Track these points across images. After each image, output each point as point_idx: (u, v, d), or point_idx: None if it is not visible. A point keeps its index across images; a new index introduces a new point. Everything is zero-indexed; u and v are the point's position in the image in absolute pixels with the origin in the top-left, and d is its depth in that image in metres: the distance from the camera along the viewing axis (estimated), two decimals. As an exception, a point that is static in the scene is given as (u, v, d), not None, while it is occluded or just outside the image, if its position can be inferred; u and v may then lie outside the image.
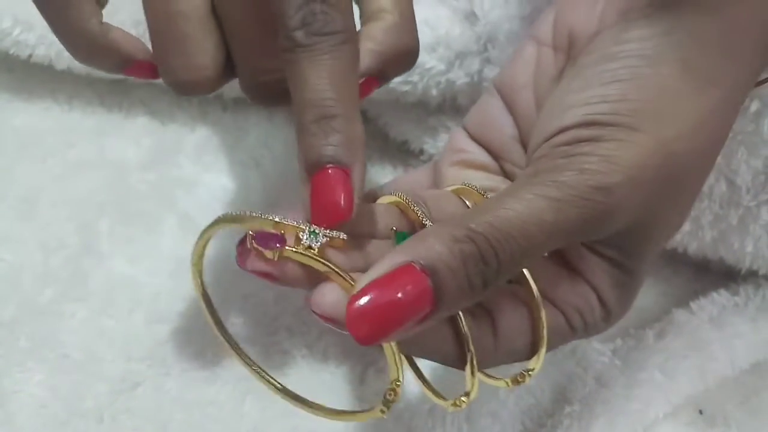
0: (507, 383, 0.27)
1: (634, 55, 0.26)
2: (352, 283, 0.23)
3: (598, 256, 0.26)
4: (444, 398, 0.26)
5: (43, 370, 0.36)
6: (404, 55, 0.31)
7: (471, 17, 0.39)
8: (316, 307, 0.24)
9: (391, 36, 0.29)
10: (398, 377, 0.24)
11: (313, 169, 0.24)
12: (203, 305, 0.29)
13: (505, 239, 0.23)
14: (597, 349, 0.38)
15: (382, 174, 0.44)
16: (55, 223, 0.40)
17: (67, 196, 0.41)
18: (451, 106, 0.41)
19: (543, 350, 0.26)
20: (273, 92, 0.29)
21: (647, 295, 0.41)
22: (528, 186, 0.24)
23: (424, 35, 0.39)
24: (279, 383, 0.29)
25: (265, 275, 0.25)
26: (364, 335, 0.22)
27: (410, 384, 0.37)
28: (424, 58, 0.39)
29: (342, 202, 0.24)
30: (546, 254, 0.27)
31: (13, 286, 0.38)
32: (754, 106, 0.35)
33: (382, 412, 0.25)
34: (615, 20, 0.27)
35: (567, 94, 0.27)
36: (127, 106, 0.45)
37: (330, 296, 0.23)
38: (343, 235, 0.25)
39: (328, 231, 0.24)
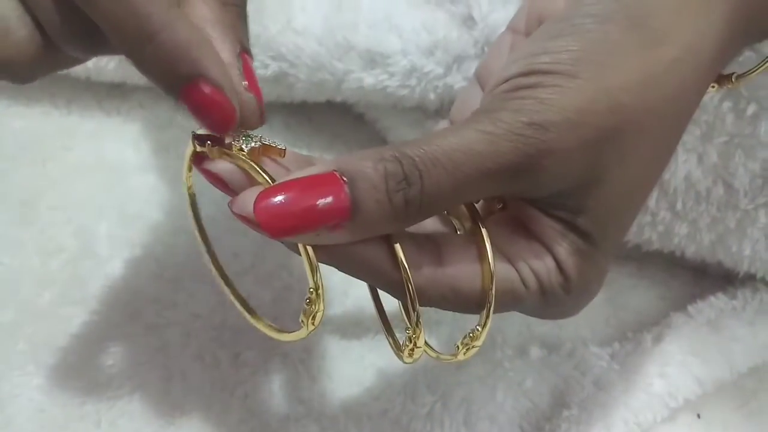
0: (457, 350, 0.26)
1: (580, 14, 0.25)
2: (271, 182, 0.23)
3: (553, 219, 0.26)
4: (401, 350, 0.26)
5: (42, 374, 0.36)
6: (237, 13, 0.28)
7: (469, 21, 0.39)
8: (235, 208, 0.23)
9: (212, 3, 0.27)
10: (313, 284, 0.24)
11: (174, 92, 0.24)
12: (189, 209, 0.29)
13: (432, 163, 0.23)
14: (595, 353, 0.38)
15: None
16: (54, 227, 0.40)
17: (66, 200, 0.41)
18: (449, 110, 0.41)
19: (492, 295, 0.25)
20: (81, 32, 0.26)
21: (645, 299, 0.41)
22: (465, 123, 0.24)
23: (422, 39, 0.39)
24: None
25: (207, 174, 0.25)
26: (271, 227, 0.23)
27: (409, 387, 0.37)
28: (422, 62, 0.39)
29: (222, 106, 0.24)
30: (496, 210, 0.27)
31: (12, 289, 0.38)
32: (751, 109, 0.35)
33: (304, 323, 0.24)
34: None
35: (516, 52, 0.27)
36: (125, 110, 0.45)
37: (251, 197, 0.23)
38: (276, 142, 0.25)
39: (264, 138, 0.25)
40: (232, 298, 0.29)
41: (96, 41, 0.25)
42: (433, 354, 0.27)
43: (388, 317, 0.28)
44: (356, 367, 0.38)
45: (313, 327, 0.25)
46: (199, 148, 0.25)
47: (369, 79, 0.41)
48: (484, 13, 0.39)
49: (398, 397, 0.37)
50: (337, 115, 0.45)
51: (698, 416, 0.37)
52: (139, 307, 0.38)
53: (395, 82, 0.40)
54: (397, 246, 0.24)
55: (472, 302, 0.25)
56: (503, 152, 0.23)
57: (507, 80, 0.25)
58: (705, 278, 0.41)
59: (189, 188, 0.28)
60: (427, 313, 0.26)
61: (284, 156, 0.25)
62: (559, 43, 0.25)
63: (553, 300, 0.26)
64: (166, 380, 0.37)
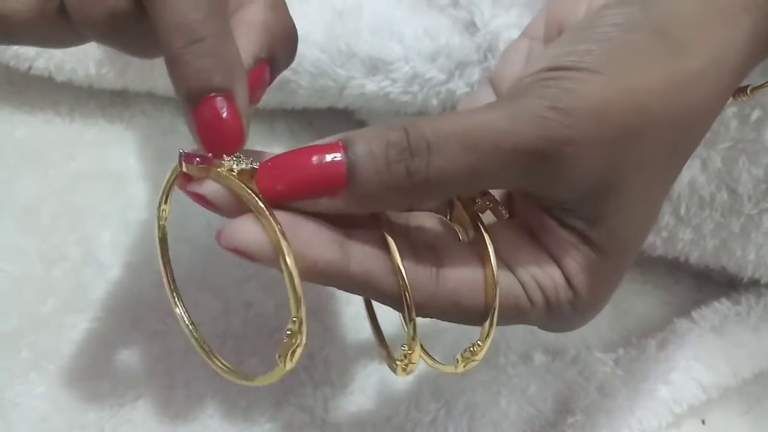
0: (457, 364, 0.26)
1: (605, 23, 0.25)
2: (257, 198, 0.22)
3: (567, 230, 0.25)
4: (395, 361, 0.25)
5: (45, 382, 0.36)
6: (287, 32, 0.28)
7: (471, 27, 0.39)
8: (223, 241, 0.23)
9: (269, 12, 0.27)
10: (296, 313, 0.23)
11: (195, 99, 0.23)
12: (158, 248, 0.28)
13: (446, 136, 0.22)
14: (599, 358, 0.38)
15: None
16: (57, 235, 0.40)
17: (69, 208, 0.41)
18: (451, 116, 0.41)
19: (495, 313, 0.24)
20: (107, 23, 0.25)
21: (649, 305, 0.41)
22: (485, 105, 0.24)
23: (424, 45, 0.39)
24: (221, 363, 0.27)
25: (193, 194, 0.24)
26: (271, 190, 0.22)
27: (413, 394, 0.37)
28: (425, 68, 0.39)
29: (231, 130, 0.23)
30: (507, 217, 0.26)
31: (15, 297, 0.38)
32: (756, 114, 0.35)
33: (281, 361, 0.23)
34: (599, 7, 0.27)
35: (539, 55, 0.26)
36: (128, 117, 0.45)
37: (238, 229, 0.22)
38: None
39: (255, 163, 0.24)
40: (195, 345, 0.27)
41: (116, 28, 0.25)
42: (431, 362, 0.26)
43: (388, 322, 0.28)
44: (360, 374, 0.38)
45: (291, 365, 0.24)
46: (185, 169, 0.24)
47: (371, 85, 0.41)
48: (486, 19, 0.39)
49: (402, 405, 0.37)
50: (340, 122, 0.45)
51: (703, 422, 0.37)
52: (142, 314, 0.38)
53: (397, 88, 0.40)
54: (397, 258, 0.23)
55: (474, 316, 0.25)
56: (525, 132, 0.22)
57: (529, 75, 0.25)
58: (709, 284, 0.41)
59: (163, 220, 0.27)
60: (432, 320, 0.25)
61: None
62: (583, 47, 0.24)
63: (559, 315, 0.25)
64: (169, 388, 0.36)
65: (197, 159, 0.24)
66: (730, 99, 0.29)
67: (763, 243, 0.38)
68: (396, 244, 0.24)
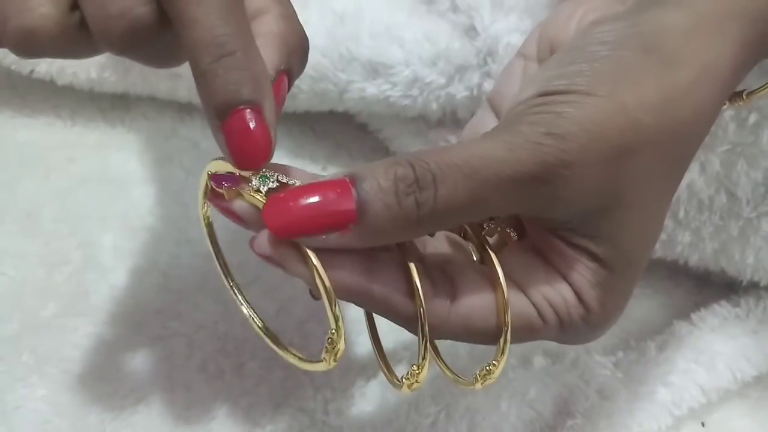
0: (476, 380, 0.26)
1: (595, 42, 0.25)
2: None
3: (574, 249, 0.25)
4: (399, 380, 0.26)
5: (46, 386, 0.36)
6: (301, 42, 0.28)
7: (471, 31, 0.40)
8: (256, 247, 0.24)
9: (283, 23, 0.27)
10: (333, 321, 0.24)
11: (225, 113, 0.23)
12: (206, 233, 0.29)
13: (448, 167, 0.23)
14: (599, 361, 0.38)
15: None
16: (58, 238, 0.40)
17: (70, 211, 0.41)
18: (451, 120, 0.42)
19: (507, 333, 0.25)
20: (129, 36, 0.25)
21: (648, 308, 0.41)
22: (482, 136, 0.24)
23: (424, 49, 0.40)
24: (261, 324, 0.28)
25: (224, 211, 0.25)
26: (278, 225, 0.23)
27: (413, 397, 0.37)
28: (425, 72, 0.40)
29: (260, 143, 0.24)
30: (514, 238, 0.27)
31: (16, 301, 0.39)
32: (753, 117, 0.35)
33: (326, 360, 0.25)
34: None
35: (530, 78, 0.27)
36: (129, 121, 0.45)
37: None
38: (296, 182, 0.24)
39: (282, 177, 0.24)
40: (257, 329, 0.28)
41: (138, 42, 0.25)
42: (452, 377, 0.27)
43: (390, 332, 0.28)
44: (360, 377, 0.38)
45: (334, 363, 0.25)
46: (216, 188, 0.25)
47: (371, 89, 0.41)
48: (486, 24, 0.39)
49: (402, 408, 0.37)
50: (340, 125, 0.45)
51: (702, 425, 0.37)
52: (143, 318, 0.38)
53: (398, 92, 0.40)
54: (416, 281, 0.24)
55: (486, 337, 0.25)
56: (522, 159, 0.23)
57: (522, 102, 0.25)
58: (708, 286, 0.41)
59: (206, 218, 0.28)
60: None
61: None
62: (573, 69, 0.25)
63: (572, 331, 0.26)
64: (170, 391, 0.37)
65: (225, 183, 0.24)
66: (726, 104, 0.29)
67: (762, 246, 0.38)
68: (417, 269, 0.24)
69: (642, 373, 0.37)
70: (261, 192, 0.24)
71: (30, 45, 0.24)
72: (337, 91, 0.41)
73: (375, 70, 0.40)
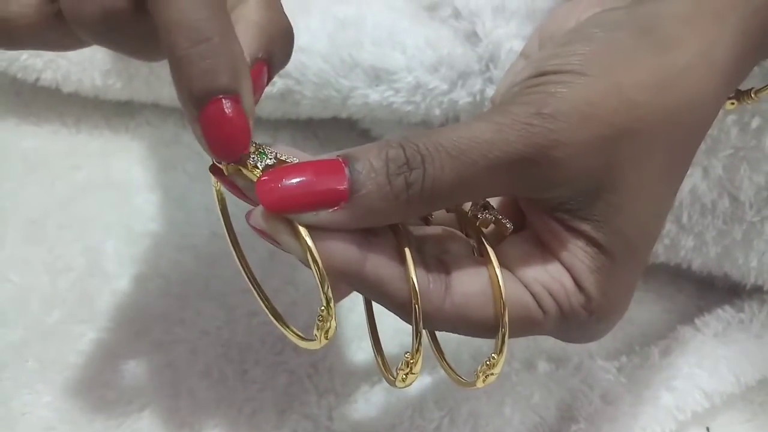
0: (476, 378, 0.26)
1: (590, 24, 0.25)
2: None
3: (572, 233, 0.25)
4: (393, 374, 0.26)
5: (51, 392, 0.36)
6: (284, 31, 0.27)
7: (473, 38, 0.40)
8: (252, 221, 0.24)
9: (265, 11, 0.27)
10: (324, 299, 0.23)
11: (201, 102, 0.23)
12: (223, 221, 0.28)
13: (436, 148, 0.23)
14: (602, 366, 0.38)
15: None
16: (62, 245, 0.41)
17: (74, 218, 0.41)
18: (453, 125, 0.42)
19: (505, 318, 0.24)
20: (102, 22, 0.24)
21: (652, 312, 0.41)
22: (474, 118, 0.24)
23: (427, 56, 0.40)
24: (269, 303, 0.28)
25: (227, 185, 0.25)
26: (270, 200, 0.23)
27: (417, 402, 0.37)
28: (427, 78, 0.40)
29: (238, 134, 0.23)
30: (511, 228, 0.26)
31: (21, 307, 0.39)
32: (756, 122, 0.35)
33: (317, 337, 0.24)
34: None
35: (528, 62, 0.27)
36: (133, 128, 0.45)
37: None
38: (294, 159, 0.24)
39: (280, 154, 0.24)
40: (260, 301, 0.28)
41: (111, 27, 0.24)
42: (454, 376, 0.27)
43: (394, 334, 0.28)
44: (364, 382, 0.38)
45: (326, 341, 0.24)
46: (218, 164, 0.25)
47: (374, 95, 0.41)
48: (487, 30, 0.39)
49: (406, 413, 0.37)
50: (343, 131, 0.46)
51: (707, 429, 0.37)
52: (147, 324, 0.38)
53: (400, 98, 0.41)
54: (411, 267, 0.24)
55: (483, 328, 0.25)
56: (511, 140, 0.23)
57: (517, 84, 0.25)
58: (712, 291, 0.41)
59: (219, 193, 0.28)
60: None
61: None
62: (568, 49, 0.25)
63: (576, 322, 0.25)
64: (174, 397, 0.37)
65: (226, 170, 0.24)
66: (735, 104, 0.29)
67: (765, 250, 0.38)
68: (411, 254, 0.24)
69: (646, 378, 0.37)
70: (258, 168, 0.24)
71: (9, 35, 0.24)
72: (340, 97, 0.41)
73: (377, 76, 0.40)
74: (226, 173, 0.25)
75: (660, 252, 0.39)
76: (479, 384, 0.26)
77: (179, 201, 0.43)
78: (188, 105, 0.23)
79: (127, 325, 0.38)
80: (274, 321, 0.27)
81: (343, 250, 0.23)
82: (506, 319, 0.24)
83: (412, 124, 0.42)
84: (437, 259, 0.25)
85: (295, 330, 0.26)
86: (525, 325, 0.25)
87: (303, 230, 0.23)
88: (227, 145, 0.24)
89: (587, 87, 0.23)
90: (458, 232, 0.28)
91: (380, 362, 0.27)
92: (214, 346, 0.38)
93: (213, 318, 0.39)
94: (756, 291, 0.40)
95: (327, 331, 0.24)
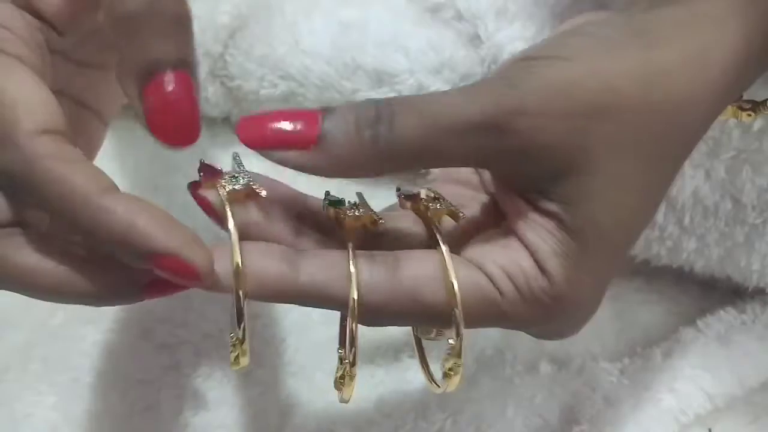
0: (445, 378, 0.25)
1: (581, 22, 0.26)
2: (231, 220, 0.24)
3: (541, 214, 0.24)
4: (437, 384, 0.26)
5: (56, 393, 0.36)
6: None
7: (475, 40, 0.40)
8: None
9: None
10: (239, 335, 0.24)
11: (148, 76, 0.22)
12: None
13: (406, 107, 0.23)
14: (605, 368, 0.38)
15: (388, 194, 0.45)
16: (67, 247, 0.41)
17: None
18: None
19: (457, 299, 0.23)
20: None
21: (654, 314, 0.41)
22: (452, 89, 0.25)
23: (429, 58, 0.40)
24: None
25: (195, 197, 0.26)
26: (247, 133, 0.23)
27: (420, 404, 0.37)
28: (430, 81, 0.40)
29: (190, 115, 0.22)
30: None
31: (25, 309, 0.39)
32: (758, 124, 0.35)
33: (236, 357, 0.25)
34: None
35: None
36: (136, 131, 0.45)
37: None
38: (263, 192, 0.25)
39: (251, 180, 0.25)
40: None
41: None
42: (428, 382, 0.27)
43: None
44: (367, 384, 0.38)
45: (240, 355, 0.25)
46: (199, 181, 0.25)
47: (376, 97, 0.41)
48: (490, 32, 0.39)
49: (409, 415, 0.37)
50: (346, 134, 0.46)
51: (709, 431, 0.37)
52: (151, 326, 0.38)
53: (403, 100, 0.41)
54: (350, 255, 0.24)
55: (437, 313, 0.24)
56: (479, 106, 0.23)
57: (504, 63, 0.26)
58: (714, 293, 0.41)
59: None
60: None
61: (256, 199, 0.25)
62: (559, 41, 0.25)
63: (539, 310, 0.24)
64: (177, 399, 0.37)
65: (202, 173, 0.25)
66: (752, 115, 0.29)
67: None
68: (354, 250, 0.24)
69: (648, 380, 0.37)
70: (225, 189, 0.25)
71: None
72: (343, 99, 0.42)
73: (380, 78, 0.41)
74: (203, 186, 0.25)
75: (662, 254, 0.39)
76: (450, 382, 0.25)
77: (183, 204, 0.42)
78: (130, 80, 0.22)
79: (131, 327, 0.38)
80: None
81: (272, 265, 0.24)
82: (458, 294, 0.24)
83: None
84: (387, 252, 0.25)
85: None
86: (482, 308, 0.24)
87: (234, 232, 0.24)
88: (176, 131, 0.23)
89: (567, 68, 0.24)
90: (417, 218, 0.27)
91: (426, 373, 0.27)
92: (217, 348, 0.38)
93: (216, 320, 0.39)
94: (758, 293, 0.40)
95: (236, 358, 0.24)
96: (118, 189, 0.24)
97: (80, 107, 0.29)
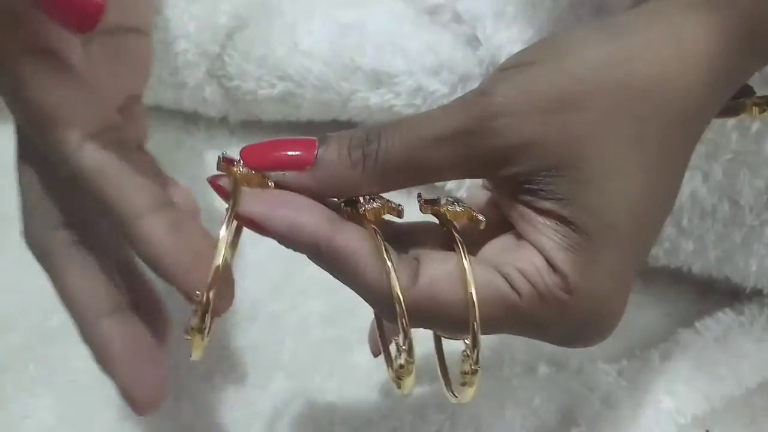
0: (463, 385, 0.25)
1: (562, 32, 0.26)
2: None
3: (540, 213, 0.25)
4: (455, 394, 0.26)
5: (53, 396, 0.36)
6: None
7: (473, 41, 0.40)
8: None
9: None
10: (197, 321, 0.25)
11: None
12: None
13: (392, 127, 0.25)
14: (603, 369, 0.38)
15: (388, 195, 0.45)
16: (64, 249, 0.40)
17: (76, 221, 0.41)
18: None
19: (474, 300, 0.24)
20: None
21: (652, 316, 0.41)
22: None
23: (427, 59, 0.40)
24: None
25: (216, 183, 0.27)
26: (250, 156, 0.26)
27: (418, 405, 0.37)
28: (428, 82, 0.40)
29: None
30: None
31: (22, 311, 0.39)
32: (756, 126, 0.35)
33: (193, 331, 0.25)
34: None
35: None
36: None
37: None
38: (271, 184, 0.26)
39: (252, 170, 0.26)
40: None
41: None
42: (447, 392, 0.27)
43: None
44: (365, 385, 0.38)
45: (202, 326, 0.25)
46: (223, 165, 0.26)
47: (375, 98, 0.41)
48: (488, 34, 0.39)
49: (407, 416, 0.37)
50: (344, 135, 0.46)
51: (707, 432, 0.37)
52: (149, 327, 0.38)
53: (401, 101, 0.41)
54: (380, 244, 0.24)
55: (455, 312, 0.24)
56: (453, 116, 0.25)
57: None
58: (712, 294, 0.41)
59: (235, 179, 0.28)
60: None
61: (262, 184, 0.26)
62: (528, 49, 0.26)
63: (557, 307, 0.24)
64: (175, 401, 0.37)
65: (223, 160, 0.26)
66: (757, 114, 0.28)
67: (765, 253, 0.38)
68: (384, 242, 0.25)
69: (646, 381, 0.37)
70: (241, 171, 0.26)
71: None
72: (341, 100, 0.42)
73: (378, 79, 0.41)
74: (218, 169, 0.26)
75: (660, 255, 0.39)
76: (468, 391, 0.25)
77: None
78: None
79: (128, 329, 0.38)
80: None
81: (313, 217, 0.25)
82: (474, 295, 0.24)
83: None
84: (406, 250, 0.26)
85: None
86: (500, 309, 0.24)
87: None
88: (80, 11, 0.25)
89: (533, 70, 0.25)
90: (434, 224, 0.27)
91: (445, 383, 0.27)
92: (215, 350, 0.38)
93: (215, 322, 0.39)
94: (756, 294, 0.40)
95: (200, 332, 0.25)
96: (165, 200, 0.28)
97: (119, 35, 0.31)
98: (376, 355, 0.30)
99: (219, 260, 0.24)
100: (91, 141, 0.27)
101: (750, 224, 0.37)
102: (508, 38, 0.38)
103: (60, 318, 0.38)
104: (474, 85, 0.40)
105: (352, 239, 0.25)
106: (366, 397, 0.38)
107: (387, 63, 0.40)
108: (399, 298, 0.24)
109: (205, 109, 0.44)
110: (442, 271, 0.25)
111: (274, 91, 0.42)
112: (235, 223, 0.25)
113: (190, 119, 0.45)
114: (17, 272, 0.40)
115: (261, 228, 0.25)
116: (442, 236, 0.27)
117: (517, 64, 0.25)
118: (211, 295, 0.24)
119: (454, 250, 0.25)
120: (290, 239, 0.25)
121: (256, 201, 0.25)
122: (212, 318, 0.25)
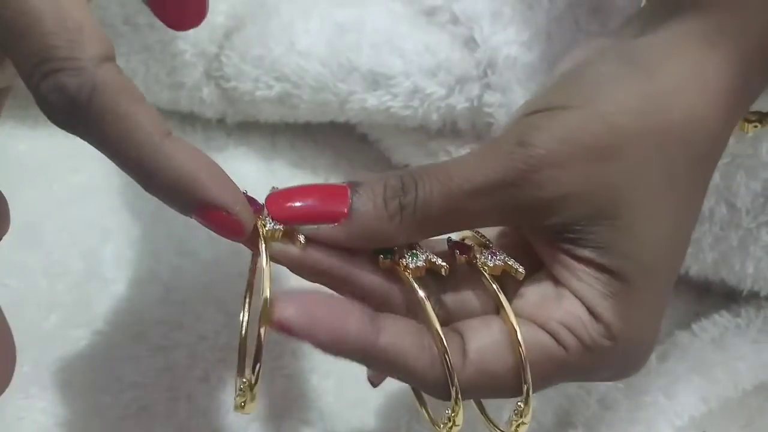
0: (510, 428, 0.26)
1: (578, 60, 0.26)
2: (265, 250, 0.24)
3: (580, 261, 0.25)
4: (436, 424, 0.26)
5: (47, 397, 0.36)
6: None
7: (471, 43, 0.40)
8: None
9: None
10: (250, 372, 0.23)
11: (186, 213, 0.23)
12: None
13: (428, 176, 0.24)
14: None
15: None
16: (60, 249, 0.40)
17: (72, 222, 0.41)
18: (451, 131, 0.42)
19: (527, 368, 0.24)
20: None
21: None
22: (468, 152, 0.26)
23: (425, 60, 0.40)
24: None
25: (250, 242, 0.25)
26: (276, 209, 0.24)
27: (414, 407, 0.37)
28: (425, 83, 0.40)
29: (227, 224, 0.23)
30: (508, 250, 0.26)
31: (18, 312, 0.38)
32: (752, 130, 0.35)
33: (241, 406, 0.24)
34: None
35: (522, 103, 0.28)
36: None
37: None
38: (302, 238, 0.24)
39: (281, 225, 0.24)
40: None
41: None
42: (490, 426, 0.27)
43: None
44: (361, 387, 0.38)
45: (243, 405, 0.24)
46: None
47: (372, 99, 0.41)
48: (485, 36, 0.39)
49: (403, 418, 0.37)
50: (341, 136, 0.46)
51: (704, 434, 0.37)
52: (145, 328, 0.38)
53: (398, 102, 0.41)
54: (432, 317, 0.24)
55: (506, 380, 0.24)
56: (492, 166, 0.24)
57: (509, 122, 0.26)
58: (709, 297, 0.41)
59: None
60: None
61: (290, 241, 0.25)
62: (556, 87, 0.26)
63: (601, 354, 0.25)
64: (172, 401, 0.37)
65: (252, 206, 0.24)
66: (758, 126, 0.29)
67: (762, 256, 0.38)
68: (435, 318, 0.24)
69: (643, 383, 0.37)
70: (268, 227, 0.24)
71: None
72: (338, 101, 0.41)
73: (375, 80, 0.41)
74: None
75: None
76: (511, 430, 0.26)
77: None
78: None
79: (125, 329, 0.38)
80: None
81: (356, 322, 0.23)
82: (524, 354, 0.24)
83: (410, 129, 0.42)
84: (446, 322, 0.25)
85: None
86: (549, 367, 0.25)
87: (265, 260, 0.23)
88: (228, 234, 0.24)
89: (567, 116, 0.25)
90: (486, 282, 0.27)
91: (426, 415, 0.27)
92: (212, 350, 0.38)
93: (212, 323, 0.39)
94: (753, 297, 0.40)
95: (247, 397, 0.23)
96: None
97: None
98: (375, 386, 0.30)
99: (267, 293, 0.23)
100: (111, 62, 0.23)
101: (746, 227, 0.37)
102: (505, 39, 0.38)
103: (56, 318, 0.38)
104: (471, 87, 0.40)
105: (397, 336, 0.24)
106: (363, 399, 0.38)
107: (384, 63, 0.40)
108: (457, 386, 0.24)
109: (203, 110, 0.44)
110: (488, 342, 0.25)
111: (271, 92, 0.42)
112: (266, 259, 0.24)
113: (186, 120, 0.45)
114: (13, 272, 0.40)
115: (299, 337, 0.23)
116: (473, 276, 0.26)
117: (548, 107, 0.25)
118: (262, 331, 0.23)
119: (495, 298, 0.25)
120: (334, 350, 0.23)
121: (290, 306, 0.23)
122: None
